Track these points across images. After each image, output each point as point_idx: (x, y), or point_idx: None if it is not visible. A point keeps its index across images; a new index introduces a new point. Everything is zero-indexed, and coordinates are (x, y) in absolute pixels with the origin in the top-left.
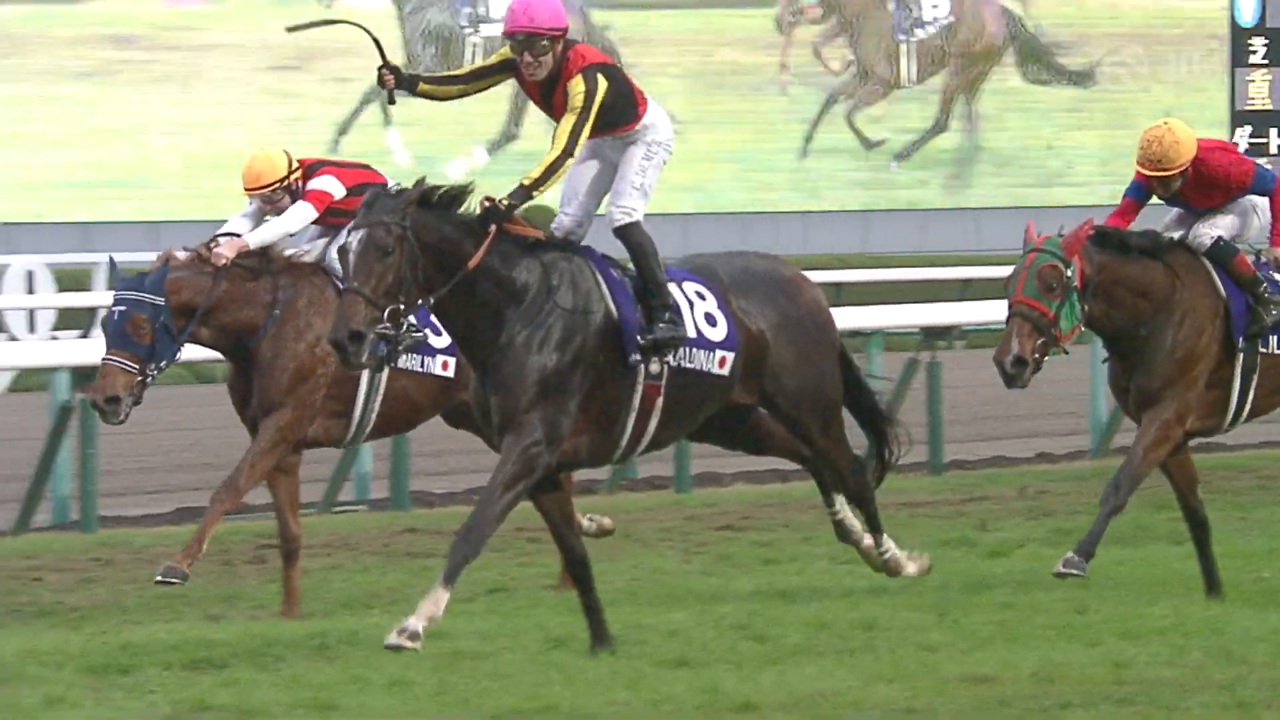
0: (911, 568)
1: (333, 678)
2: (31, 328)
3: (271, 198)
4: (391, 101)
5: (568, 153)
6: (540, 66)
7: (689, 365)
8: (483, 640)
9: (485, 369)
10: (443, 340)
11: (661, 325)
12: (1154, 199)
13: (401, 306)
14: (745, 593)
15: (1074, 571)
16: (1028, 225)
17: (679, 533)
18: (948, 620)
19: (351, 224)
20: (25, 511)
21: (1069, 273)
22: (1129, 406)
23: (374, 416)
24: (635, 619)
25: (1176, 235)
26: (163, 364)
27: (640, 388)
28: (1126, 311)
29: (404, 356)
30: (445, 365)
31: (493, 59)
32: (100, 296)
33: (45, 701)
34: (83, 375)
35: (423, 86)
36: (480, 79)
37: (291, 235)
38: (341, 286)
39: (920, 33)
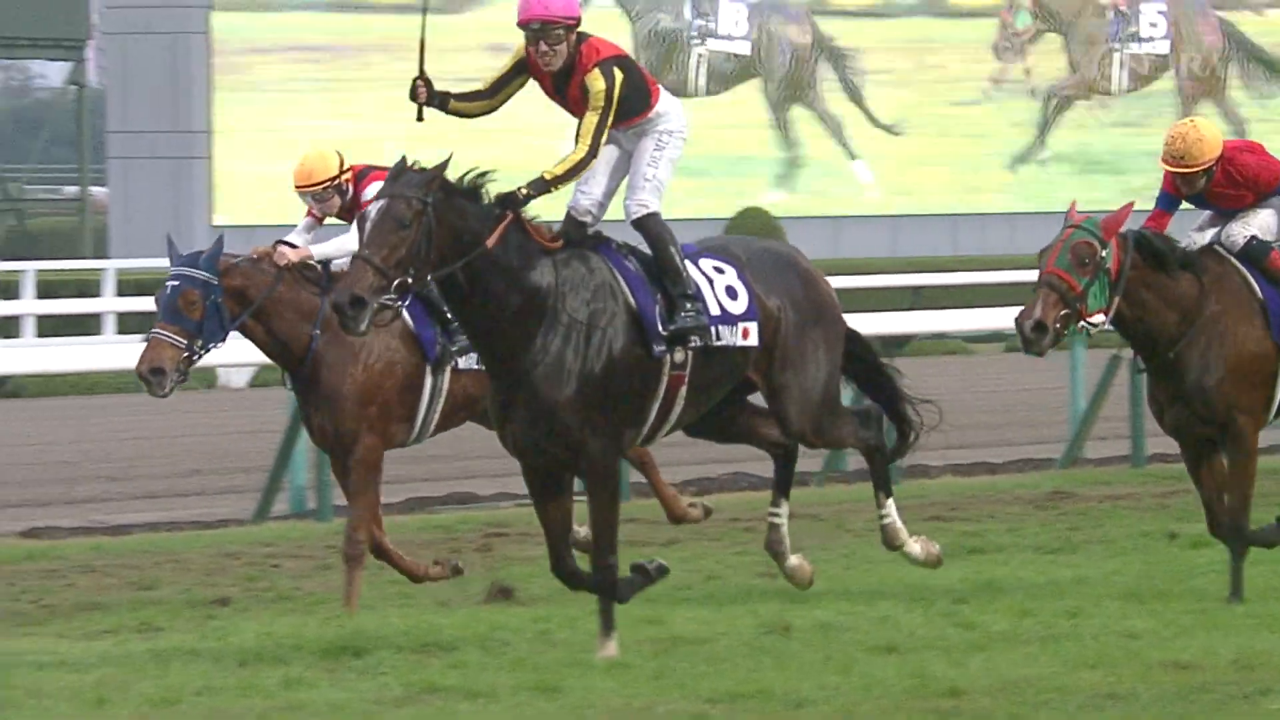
0: (915, 547)
1: (556, 661)
2: None
3: (321, 196)
4: (420, 118)
5: (592, 153)
6: (555, 56)
7: (714, 344)
8: (699, 626)
9: (509, 382)
10: None
11: (683, 315)
12: (1185, 205)
13: (410, 280)
14: (952, 581)
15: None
16: (1071, 205)
17: None
18: (1149, 608)
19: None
20: (264, 501)
21: (1104, 253)
22: (1166, 425)
23: (436, 416)
24: (847, 607)
25: (1210, 234)
26: (210, 345)
27: (665, 378)
28: (1153, 318)
29: (464, 358)
30: None
31: (507, 64)
32: None
33: (283, 682)
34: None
35: (453, 104)
36: (501, 89)
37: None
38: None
39: (1135, 46)
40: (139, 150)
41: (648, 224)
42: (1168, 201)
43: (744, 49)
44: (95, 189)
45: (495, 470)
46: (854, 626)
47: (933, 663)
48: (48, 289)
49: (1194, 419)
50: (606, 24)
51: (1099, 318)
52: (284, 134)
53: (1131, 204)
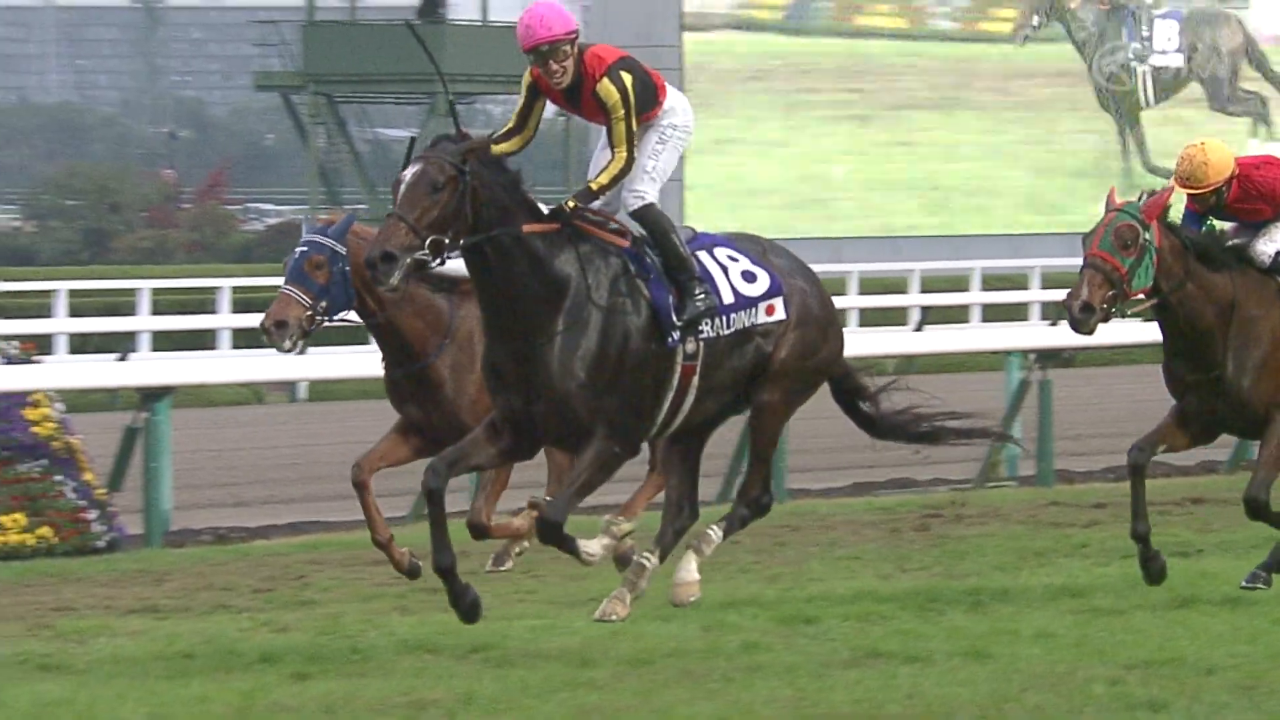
0: (691, 583)
1: (986, 629)
2: None
3: None
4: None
5: (631, 158)
6: (565, 72)
7: (727, 332)
8: (1116, 598)
9: (514, 358)
10: None
11: (694, 300)
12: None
13: (446, 240)
14: None
15: (1258, 586)
16: (1110, 191)
17: None
18: None
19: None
20: (726, 484)
21: (1146, 235)
22: (1186, 405)
23: None
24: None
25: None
26: (334, 312)
27: (679, 369)
28: (1193, 309)
29: None
30: None
31: (521, 95)
32: None
33: (742, 646)
34: None
35: (494, 148)
36: (527, 119)
37: None
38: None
39: None
40: None
41: (646, 214)
42: (1193, 219)
43: (1178, 61)
44: None
45: (934, 458)
46: (1259, 600)
47: None
48: None
49: (1226, 416)
50: (1068, 67)
51: (1147, 298)
52: (744, 153)
53: (1172, 188)
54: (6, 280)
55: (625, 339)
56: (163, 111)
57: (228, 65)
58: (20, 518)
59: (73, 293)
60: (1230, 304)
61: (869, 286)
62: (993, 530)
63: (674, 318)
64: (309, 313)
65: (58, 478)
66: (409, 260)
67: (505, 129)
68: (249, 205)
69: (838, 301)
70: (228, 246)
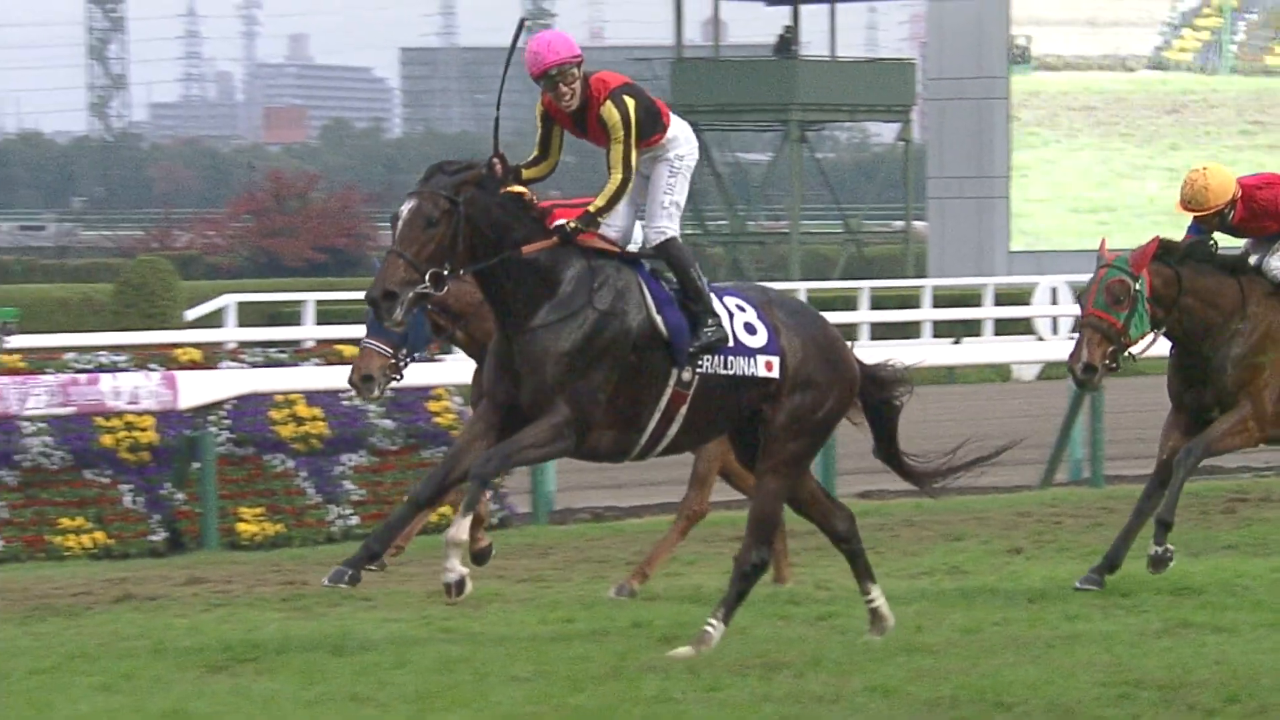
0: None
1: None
2: (1055, 330)
3: None
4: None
5: (627, 179)
6: (573, 95)
7: (723, 372)
8: None
9: (514, 346)
10: None
11: (706, 330)
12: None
13: (445, 272)
14: None
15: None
16: (1101, 243)
17: None
18: None
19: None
20: (1049, 470)
21: (1137, 286)
22: (1184, 402)
23: None
24: None
25: (1252, 261)
26: (415, 354)
27: (669, 393)
28: (1196, 319)
29: None
30: None
31: (538, 123)
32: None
33: (1063, 617)
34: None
35: (524, 174)
36: (547, 145)
37: None
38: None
39: None
40: (951, 191)
41: (668, 249)
42: (1196, 231)
43: None
44: (917, 223)
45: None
46: None
47: None
48: (879, 302)
49: (1212, 406)
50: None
51: (1145, 342)
52: (1065, 176)
53: (1157, 238)
54: None
55: (615, 341)
56: None
57: None
58: None
59: None
60: (1238, 304)
61: None
62: (1270, 515)
63: (688, 348)
64: (392, 361)
65: None
66: (410, 294)
67: (531, 157)
68: None
69: None
70: None
